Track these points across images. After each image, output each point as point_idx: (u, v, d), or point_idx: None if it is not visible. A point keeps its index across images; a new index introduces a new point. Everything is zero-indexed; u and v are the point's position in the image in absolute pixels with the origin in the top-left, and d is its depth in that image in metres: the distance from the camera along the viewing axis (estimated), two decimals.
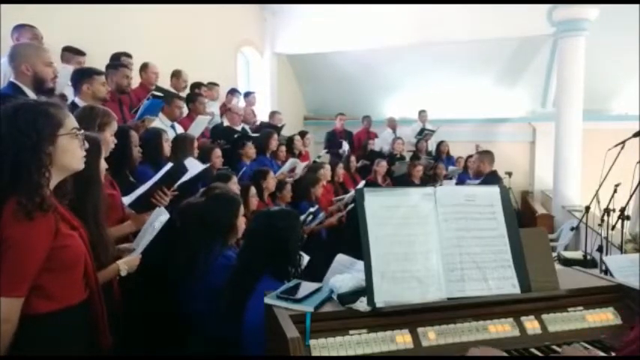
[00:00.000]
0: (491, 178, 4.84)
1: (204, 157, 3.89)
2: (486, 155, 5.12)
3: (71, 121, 1.52)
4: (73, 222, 1.55)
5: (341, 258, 2.10)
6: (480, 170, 5.03)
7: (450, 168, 7.57)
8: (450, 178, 7.37)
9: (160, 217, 2.28)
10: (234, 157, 4.92)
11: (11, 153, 1.37)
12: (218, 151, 4.26)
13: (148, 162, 3.21)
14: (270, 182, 4.41)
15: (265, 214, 2.30)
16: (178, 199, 2.82)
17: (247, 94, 7.55)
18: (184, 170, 2.78)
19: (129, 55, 4.92)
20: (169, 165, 2.71)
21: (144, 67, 5.05)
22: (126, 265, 1.89)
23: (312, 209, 4.51)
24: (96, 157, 1.94)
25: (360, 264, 1.69)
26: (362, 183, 6.17)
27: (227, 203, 2.55)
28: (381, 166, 6.70)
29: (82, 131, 1.57)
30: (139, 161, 3.04)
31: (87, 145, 1.58)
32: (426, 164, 7.34)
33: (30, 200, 1.35)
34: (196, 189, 3.30)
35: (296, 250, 2.12)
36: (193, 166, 3.06)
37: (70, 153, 1.50)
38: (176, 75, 5.54)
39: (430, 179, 7.06)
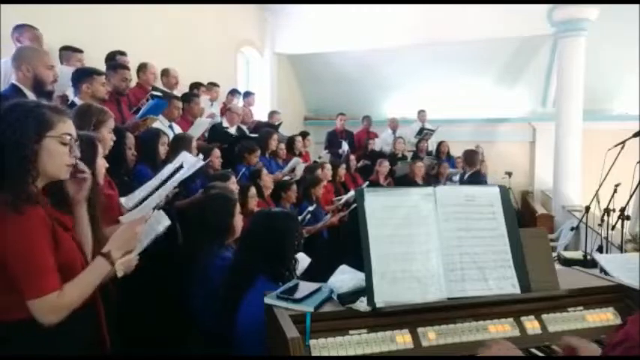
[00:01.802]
0: (474, 178, 4.92)
1: (203, 157, 3.89)
2: (467, 155, 5.16)
3: (65, 127, 1.47)
4: (67, 224, 1.53)
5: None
6: (465, 170, 5.07)
7: (449, 170, 7.58)
8: (450, 179, 7.38)
9: (162, 222, 2.29)
10: (232, 158, 4.90)
11: None
12: (217, 152, 4.27)
13: (145, 162, 3.23)
14: (266, 180, 4.39)
15: (264, 213, 2.30)
16: (174, 197, 2.84)
17: (247, 95, 7.55)
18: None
19: (123, 53, 4.91)
20: (177, 180, 2.72)
21: (142, 68, 5.04)
22: (122, 265, 1.86)
23: (310, 208, 4.52)
24: (91, 156, 1.91)
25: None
26: (365, 184, 6.18)
27: (222, 203, 2.55)
28: (384, 166, 6.71)
29: (76, 140, 1.52)
30: (133, 163, 3.04)
31: (78, 155, 1.53)
32: (429, 164, 7.35)
33: (16, 197, 1.33)
34: (194, 186, 3.32)
35: (291, 252, 2.11)
36: (190, 163, 3.09)
37: (53, 159, 1.44)
38: (165, 73, 5.56)
39: (433, 179, 7.07)
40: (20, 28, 3.85)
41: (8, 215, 1.31)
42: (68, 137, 1.48)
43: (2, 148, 1.36)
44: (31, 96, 2.62)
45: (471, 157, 5.05)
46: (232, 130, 5.49)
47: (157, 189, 2.63)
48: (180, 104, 4.54)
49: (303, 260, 2.54)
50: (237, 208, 2.58)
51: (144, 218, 1.62)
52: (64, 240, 1.46)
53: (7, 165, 1.36)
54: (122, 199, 2.54)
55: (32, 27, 3.90)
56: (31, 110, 1.43)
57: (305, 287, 1.63)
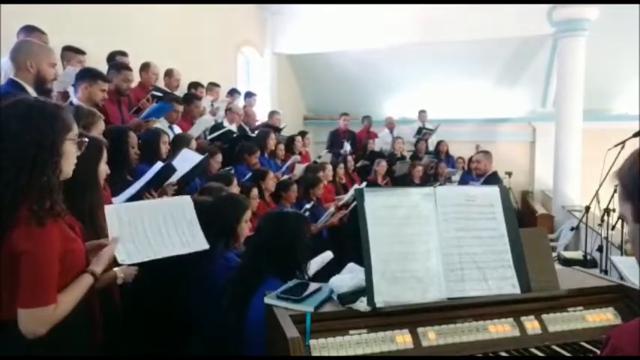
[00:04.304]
0: (494, 179, 4.85)
1: None
2: (488, 155, 5.16)
3: (76, 128, 1.53)
4: (75, 226, 1.55)
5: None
6: (485, 170, 4.99)
7: (448, 170, 7.58)
8: (449, 179, 7.38)
9: None
10: (232, 157, 4.90)
11: (30, 153, 1.36)
12: (219, 156, 4.26)
13: (146, 161, 3.22)
14: (270, 183, 4.40)
15: (276, 213, 2.31)
16: (176, 192, 2.84)
17: (248, 95, 7.53)
18: (173, 171, 2.83)
19: (124, 54, 4.91)
20: (158, 166, 2.73)
21: (145, 67, 5.05)
22: (122, 273, 1.86)
23: (307, 205, 4.53)
24: (96, 158, 1.93)
25: None
26: (363, 184, 6.18)
27: (233, 205, 2.52)
28: (381, 166, 6.72)
29: (85, 139, 1.58)
30: (136, 162, 3.04)
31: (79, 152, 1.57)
32: (427, 163, 7.34)
33: (41, 205, 1.34)
34: (193, 181, 3.33)
35: (301, 253, 2.08)
36: (190, 158, 3.09)
37: (69, 160, 1.49)
38: (169, 74, 5.57)
39: (431, 178, 7.07)
40: (26, 31, 3.83)
41: (30, 224, 1.33)
42: (79, 138, 1.53)
43: (38, 150, 1.37)
44: (32, 92, 2.56)
45: (491, 157, 5.07)
46: (233, 127, 5.50)
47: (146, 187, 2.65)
48: (180, 108, 4.55)
49: (325, 256, 2.54)
50: (248, 214, 2.52)
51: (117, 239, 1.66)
52: (73, 243, 1.49)
53: (41, 167, 1.38)
54: (115, 199, 2.53)
55: (39, 30, 3.88)
56: (51, 111, 1.45)
57: (305, 287, 1.63)
